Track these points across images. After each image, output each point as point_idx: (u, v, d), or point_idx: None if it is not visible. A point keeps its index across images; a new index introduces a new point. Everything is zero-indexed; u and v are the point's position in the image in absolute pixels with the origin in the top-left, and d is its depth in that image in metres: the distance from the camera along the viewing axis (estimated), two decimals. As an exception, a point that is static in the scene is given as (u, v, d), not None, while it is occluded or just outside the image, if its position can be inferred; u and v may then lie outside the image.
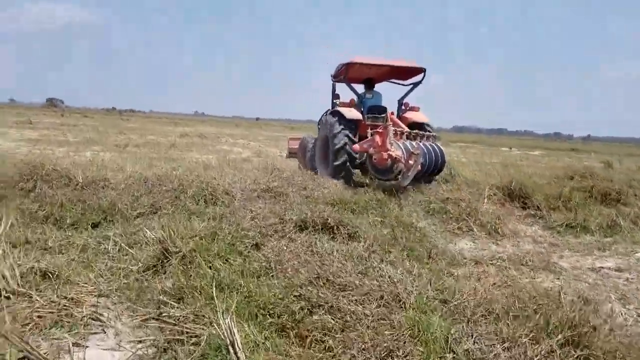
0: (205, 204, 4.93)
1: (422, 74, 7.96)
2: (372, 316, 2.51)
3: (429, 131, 7.51)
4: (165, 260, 3.25)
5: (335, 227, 3.95)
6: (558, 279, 3.92)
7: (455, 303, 2.77)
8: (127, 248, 3.56)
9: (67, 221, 4.03)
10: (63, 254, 3.48)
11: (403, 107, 8.28)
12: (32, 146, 12.47)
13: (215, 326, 2.30)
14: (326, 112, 8.66)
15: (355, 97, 8.23)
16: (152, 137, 19.84)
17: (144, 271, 3.21)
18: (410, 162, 6.06)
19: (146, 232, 3.66)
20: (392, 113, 7.83)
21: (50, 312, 2.51)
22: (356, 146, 7.24)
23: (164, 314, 2.59)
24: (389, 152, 6.38)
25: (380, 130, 6.64)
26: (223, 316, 2.34)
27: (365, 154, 7.14)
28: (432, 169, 6.77)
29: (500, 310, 2.64)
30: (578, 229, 5.65)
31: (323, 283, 2.83)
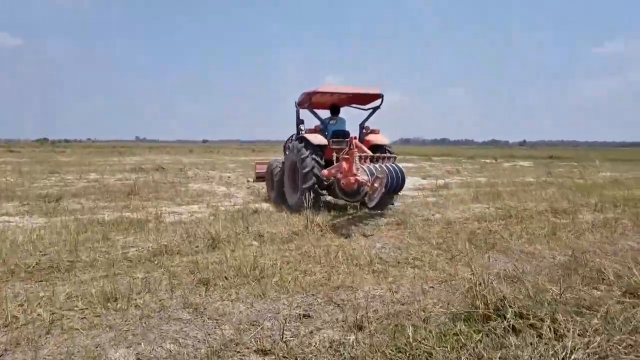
0: None
1: (380, 99, 8.43)
2: None
3: (389, 152, 7.84)
4: None
5: None
6: None
7: None
8: None
9: None
10: None
11: (364, 131, 8.57)
12: None
13: None
14: (291, 137, 9.40)
15: (319, 123, 8.49)
16: (96, 176, 14.97)
17: None
18: (376, 184, 6.19)
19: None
20: (355, 137, 7.80)
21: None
22: (325, 171, 7.48)
23: None
24: (355, 176, 6.62)
25: (347, 156, 6.91)
26: None
27: (333, 177, 7.34)
28: (394, 188, 6.93)
29: None
30: None
31: None
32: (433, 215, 7.30)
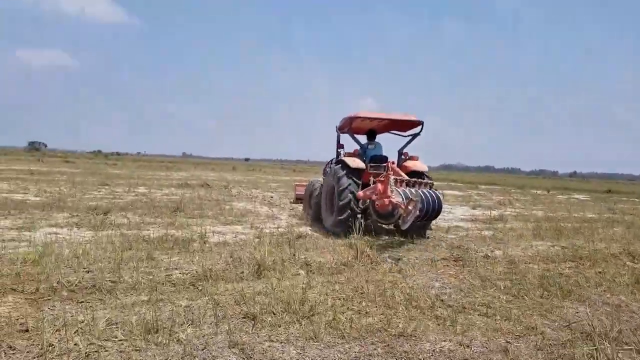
0: None
1: (420, 126, 8.39)
2: None
3: (427, 179, 7.78)
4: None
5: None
6: None
7: None
8: None
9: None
10: None
11: (403, 157, 8.60)
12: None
13: None
14: (331, 161, 9.47)
15: (358, 148, 8.49)
16: (144, 190, 15.27)
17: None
18: (410, 207, 6.17)
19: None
20: (393, 162, 8.11)
21: None
22: (360, 193, 7.49)
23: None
24: (390, 198, 6.60)
25: (382, 179, 6.91)
26: None
27: (368, 200, 7.29)
28: (430, 214, 6.85)
29: None
30: None
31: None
32: (492, 251, 6.71)
